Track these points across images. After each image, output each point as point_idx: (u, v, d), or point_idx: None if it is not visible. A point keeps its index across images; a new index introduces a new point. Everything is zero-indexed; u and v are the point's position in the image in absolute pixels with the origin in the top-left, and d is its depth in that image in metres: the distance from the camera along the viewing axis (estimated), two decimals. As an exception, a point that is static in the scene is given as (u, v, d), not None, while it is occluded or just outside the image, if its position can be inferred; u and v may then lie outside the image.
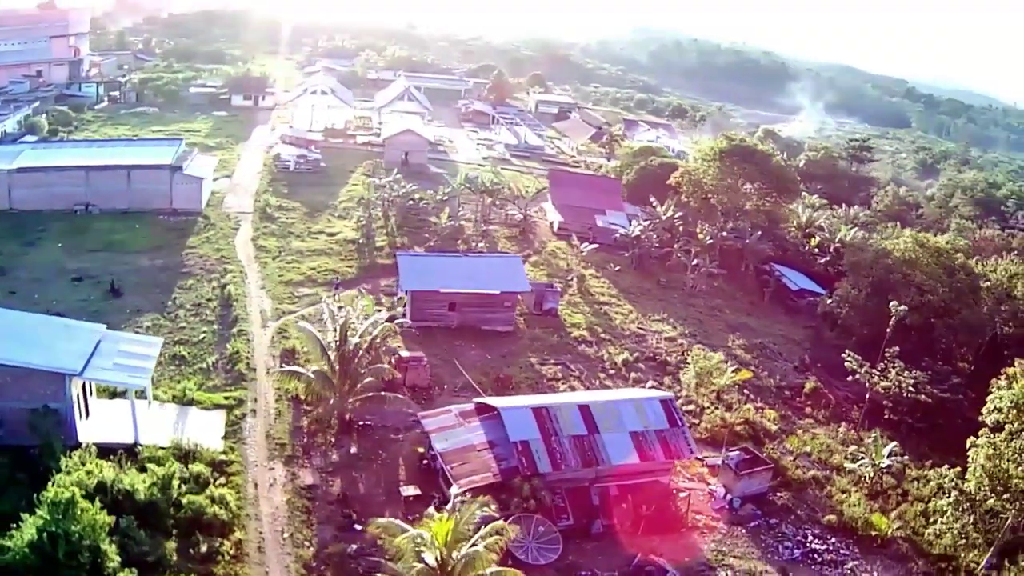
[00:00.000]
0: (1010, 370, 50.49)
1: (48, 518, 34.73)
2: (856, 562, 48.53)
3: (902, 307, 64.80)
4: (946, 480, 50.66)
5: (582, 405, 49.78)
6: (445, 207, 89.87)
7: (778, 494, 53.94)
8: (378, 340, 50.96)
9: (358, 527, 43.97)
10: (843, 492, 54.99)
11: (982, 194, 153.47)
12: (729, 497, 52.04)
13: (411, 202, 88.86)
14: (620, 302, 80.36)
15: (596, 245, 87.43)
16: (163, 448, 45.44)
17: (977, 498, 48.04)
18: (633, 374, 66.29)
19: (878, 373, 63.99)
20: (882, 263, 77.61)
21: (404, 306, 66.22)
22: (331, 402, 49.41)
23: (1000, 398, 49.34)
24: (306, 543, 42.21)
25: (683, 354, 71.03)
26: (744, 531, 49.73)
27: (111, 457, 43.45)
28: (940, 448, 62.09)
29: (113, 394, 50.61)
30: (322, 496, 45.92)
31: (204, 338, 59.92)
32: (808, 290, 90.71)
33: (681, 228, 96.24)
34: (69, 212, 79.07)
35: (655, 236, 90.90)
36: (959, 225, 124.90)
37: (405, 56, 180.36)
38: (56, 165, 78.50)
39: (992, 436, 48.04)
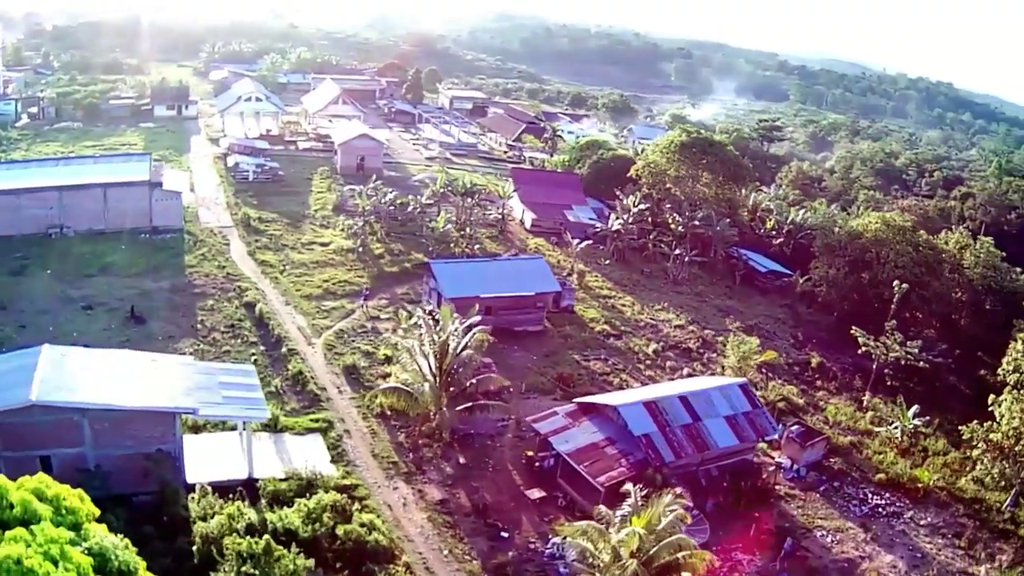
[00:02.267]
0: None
1: (252, 570, 33.21)
2: (911, 512, 53.37)
3: (904, 285, 70.35)
4: (977, 434, 55.86)
5: (681, 396, 51.90)
6: (429, 211, 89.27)
7: (831, 460, 57.86)
8: (472, 349, 50.77)
9: (504, 535, 44.26)
10: (878, 453, 59.65)
11: (881, 164, 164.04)
12: (796, 467, 55.60)
13: (392, 208, 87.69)
14: (619, 295, 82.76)
15: (590, 241, 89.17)
16: (282, 480, 43.83)
17: (1006, 446, 53.47)
18: (668, 363, 68.86)
19: (883, 345, 69.07)
20: (856, 243, 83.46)
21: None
22: (444, 415, 48.98)
23: (1019, 361, 55.11)
24: (466, 557, 42.22)
25: (699, 340, 74.32)
26: (818, 495, 53.45)
27: (231, 496, 41.61)
28: (935, 407, 67.88)
29: (195, 428, 48.15)
30: (456, 509, 45.85)
31: (256, 360, 57.66)
32: (776, 271, 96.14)
33: (650, 219, 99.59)
34: (43, 236, 73.54)
35: (635, 229, 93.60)
36: (866, 196, 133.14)
37: (310, 58, 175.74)
38: (27, 187, 72.47)
39: (1020, 392, 53.54)
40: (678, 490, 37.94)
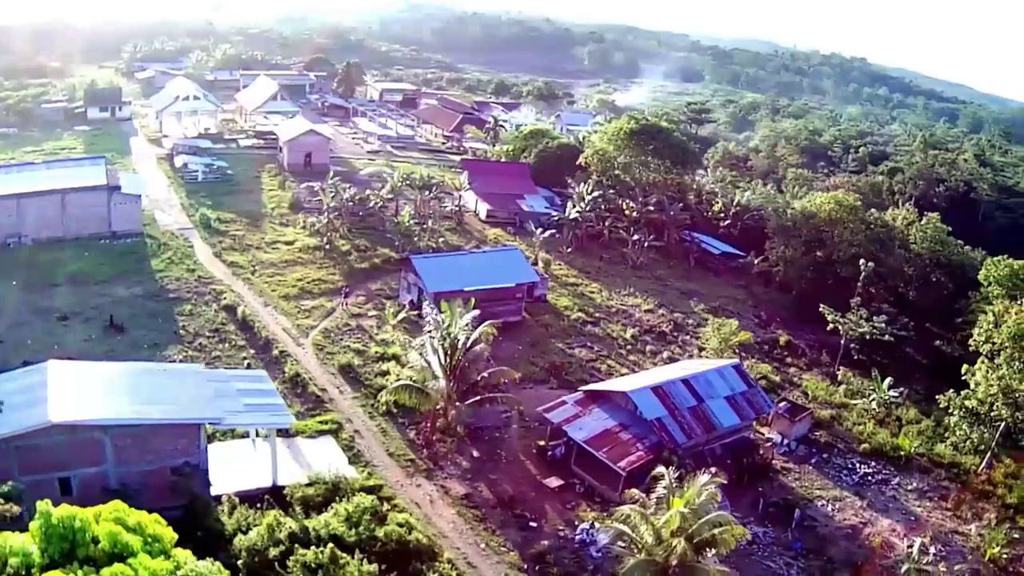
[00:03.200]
0: (995, 307, 60.07)
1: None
2: (897, 478, 56.42)
3: (870, 264, 73.40)
4: (953, 402, 59.23)
5: (683, 380, 53.42)
6: (390, 205, 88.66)
7: (816, 433, 60.45)
8: (481, 343, 51.04)
9: (533, 524, 44.92)
10: (857, 424, 62.60)
11: (807, 142, 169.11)
12: (786, 442, 57.93)
13: (352, 203, 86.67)
14: (586, 282, 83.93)
15: (553, 230, 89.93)
16: (308, 485, 43.29)
17: (982, 412, 56.94)
18: (648, 347, 70.44)
19: (851, 321, 72.19)
20: (811, 224, 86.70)
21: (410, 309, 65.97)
22: (459, 410, 49.15)
23: (990, 332, 58.58)
24: (502, 549, 42.72)
25: (672, 324, 76.19)
26: (811, 468, 55.87)
27: (259, 504, 41.03)
28: (900, 379, 71.01)
29: (208, 438, 46.99)
30: (482, 503, 46.24)
31: (249, 364, 56.60)
32: (729, 253, 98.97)
33: (603, 206, 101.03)
34: (2, 246, 70.01)
35: (594, 216, 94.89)
36: (795, 175, 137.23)
37: (235, 54, 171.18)
38: (-16, 196, 68.91)
39: (992, 362, 56.95)
40: (713, 470, 39.16)
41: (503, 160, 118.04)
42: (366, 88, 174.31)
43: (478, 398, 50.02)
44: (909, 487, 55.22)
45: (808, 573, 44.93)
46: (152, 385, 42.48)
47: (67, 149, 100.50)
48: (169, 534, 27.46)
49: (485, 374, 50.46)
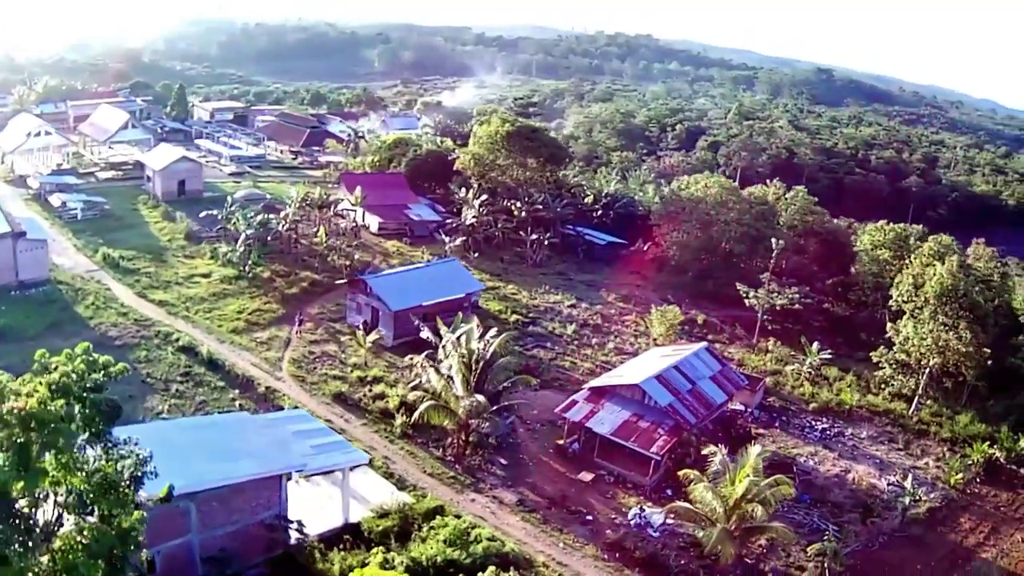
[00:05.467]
0: (912, 270, 68.86)
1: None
2: (849, 429, 63.73)
3: (780, 241, 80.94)
4: (885, 357, 67.61)
5: (674, 366, 57.43)
6: (297, 228, 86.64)
7: (768, 400, 66.71)
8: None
9: (589, 518, 47.30)
10: (796, 387, 69.29)
11: (622, 124, 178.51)
12: (749, 410, 63.84)
13: (255, 229, 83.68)
14: (501, 284, 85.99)
15: (463, 238, 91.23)
16: (379, 517, 43.18)
17: (911, 360, 65.63)
18: (594, 339, 74.10)
19: (766, 295, 79.26)
20: (700, 208, 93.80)
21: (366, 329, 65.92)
22: (494, 422, 50.46)
23: (910, 292, 67.14)
24: (578, 544, 44.86)
25: (599, 316, 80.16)
26: (778, 430, 61.84)
27: (340, 544, 40.77)
28: (810, 341, 78.41)
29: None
30: (536, 506, 47.91)
31: (241, 405, 54.62)
32: (613, 242, 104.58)
33: (488, 210, 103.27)
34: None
35: (490, 220, 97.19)
36: (621, 159, 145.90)
37: (55, 85, 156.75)
38: None
39: (919, 315, 65.55)
40: (755, 440, 43.54)
41: (372, 172, 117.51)
42: (194, 109, 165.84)
43: (496, 407, 51.39)
44: (861, 436, 62.61)
45: (826, 519, 50.34)
46: (218, 440, 40.67)
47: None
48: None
49: (507, 384, 51.92)
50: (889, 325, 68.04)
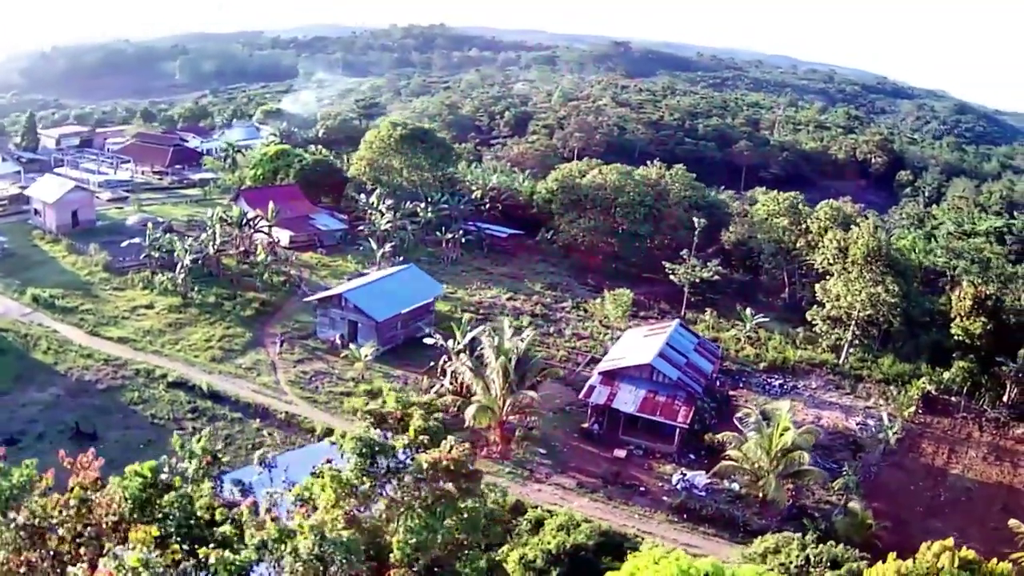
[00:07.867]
0: (833, 235, 77.25)
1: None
2: (800, 383, 71.14)
3: (703, 220, 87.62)
4: (818, 315, 75.92)
5: (667, 343, 62.14)
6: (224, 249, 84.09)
7: (724, 363, 73.14)
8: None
9: (642, 489, 51.35)
10: (738, 350, 76.28)
11: (451, 117, 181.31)
12: (715, 375, 70.07)
13: (193, 254, 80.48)
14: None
15: (393, 243, 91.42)
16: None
17: (842, 315, 74.14)
18: (552, 328, 77.68)
19: (691, 270, 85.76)
20: (599, 195, 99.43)
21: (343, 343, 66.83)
22: (542, 414, 53.29)
23: (835, 254, 75.46)
24: (646, 511, 48.71)
25: (539, 305, 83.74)
26: (743, 390, 68.47)
27: None
28: (730, 307, 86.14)
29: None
30: (594, 486, 51.43)
31: (273, 435, 53.85)
32: (513, 234, 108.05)
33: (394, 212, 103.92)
34: None
35: (410, 223, 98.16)
36: (461, 151, 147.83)
37: None
38: None
39: (847, 275, 73.91)
40: (732, 401, 49.54)
41: (264, 186, 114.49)
42: (39, 137, 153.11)
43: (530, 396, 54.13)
44: (812, 386, 70.49)
45: (829, 459, 57.07)
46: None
47: None
48: None
49: (539, 377, 54.78)
50: (818, 286, 75.96)
